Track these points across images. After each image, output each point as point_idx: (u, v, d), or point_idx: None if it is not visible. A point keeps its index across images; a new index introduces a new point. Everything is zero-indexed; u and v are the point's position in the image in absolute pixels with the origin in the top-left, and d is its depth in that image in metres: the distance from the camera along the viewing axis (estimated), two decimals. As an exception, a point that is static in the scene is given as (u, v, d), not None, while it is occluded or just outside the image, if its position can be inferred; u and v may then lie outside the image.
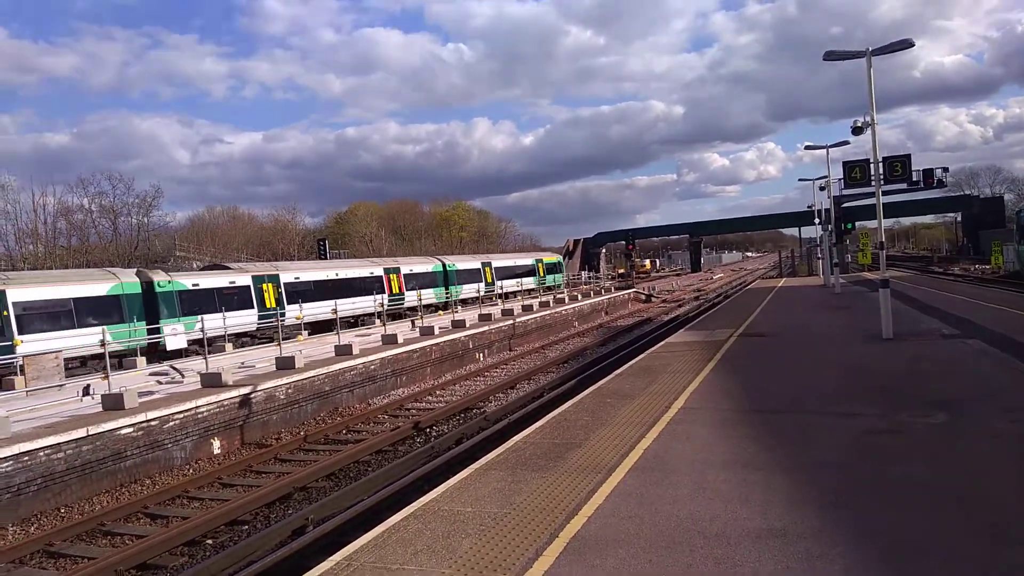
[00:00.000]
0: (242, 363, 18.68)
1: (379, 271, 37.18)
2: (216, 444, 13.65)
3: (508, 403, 16.54)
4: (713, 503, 6.37)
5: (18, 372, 17.33)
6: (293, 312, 28.66)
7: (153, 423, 12.47)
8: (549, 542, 5.73)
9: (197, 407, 13.33)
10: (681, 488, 6.83)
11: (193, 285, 26.86)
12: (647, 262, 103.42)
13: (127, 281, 24.63)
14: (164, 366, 19.16)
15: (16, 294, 21.22)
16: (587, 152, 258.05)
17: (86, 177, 56.41)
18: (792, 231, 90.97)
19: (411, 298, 36.47)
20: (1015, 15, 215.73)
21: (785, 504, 6.24)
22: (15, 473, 10.38)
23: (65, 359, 20.70)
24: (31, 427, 11.68)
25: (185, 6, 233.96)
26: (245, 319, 27.66)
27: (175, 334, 21.06)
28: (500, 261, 50.56)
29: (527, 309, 31.27)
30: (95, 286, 23.62)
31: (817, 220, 40.59)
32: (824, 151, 32.97)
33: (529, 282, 50.00)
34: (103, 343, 14.67)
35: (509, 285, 46.21)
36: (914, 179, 25.85)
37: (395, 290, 37.29)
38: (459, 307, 35.99)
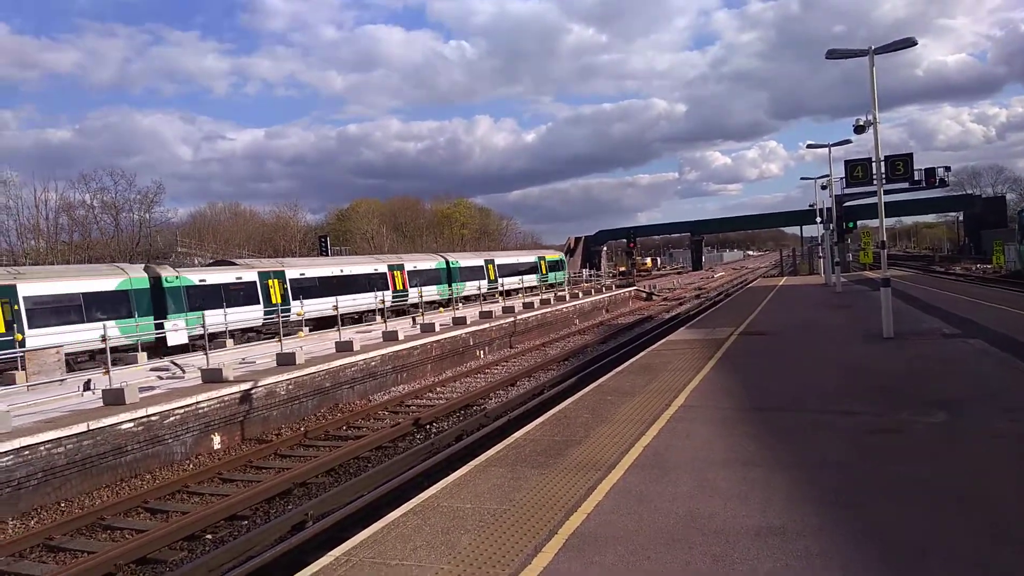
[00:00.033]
0: (243, 359, 18.69)
1: (383, 268, 37.35)
2: (216, 439, 13.66)
3: (508, 400, 16.54)
4: (712, 501, 6.37)
5: (19, 367, 17.35)
6: (299, 308, 28.93)
7: (153, 418, 12.48)
8: (548, 538, 5.73)
9: (197, 402, 13.34)
10: (681, 485, 6.83)
11: (200, 281, 27.05)
12: (648, 260, 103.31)
13: (135, 276, 24.83)
14: (165, 361, 19.19)
15: (27, 289, 21.43)
16: (589, 150, 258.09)
17: (88, 173, 56.57)
18: (794, 230, 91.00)
19: (415, 295, 36.58)
20: (1018, 14, 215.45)
21: (784, 502, 6.24)
22: (16, 467, 10.39)
23: (74, 353, 21.08)
24: (32, 422, 11.70)
25: (187, 3, 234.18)
26: (251, 315, 27.85)
27: (176, 330, 21.07)
28: (503, 258, 50.63)
29: (528, 306, 31.27)
30: (104, 281, 23.81)
31: (819, 219, 40.53)
32: (826, 150, 32.93)
33: (531, 279, 50.03)
34: (104, 338, 14.68)
35: (512, 282, 46.26)
36: (916, 178, 25.78)
37: (399, 287, 37.43)
38: (460, 304, 36.02)
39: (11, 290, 21.03)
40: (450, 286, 40.41)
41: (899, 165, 17.70)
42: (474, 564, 5.35)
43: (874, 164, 17.62)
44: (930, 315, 20.86)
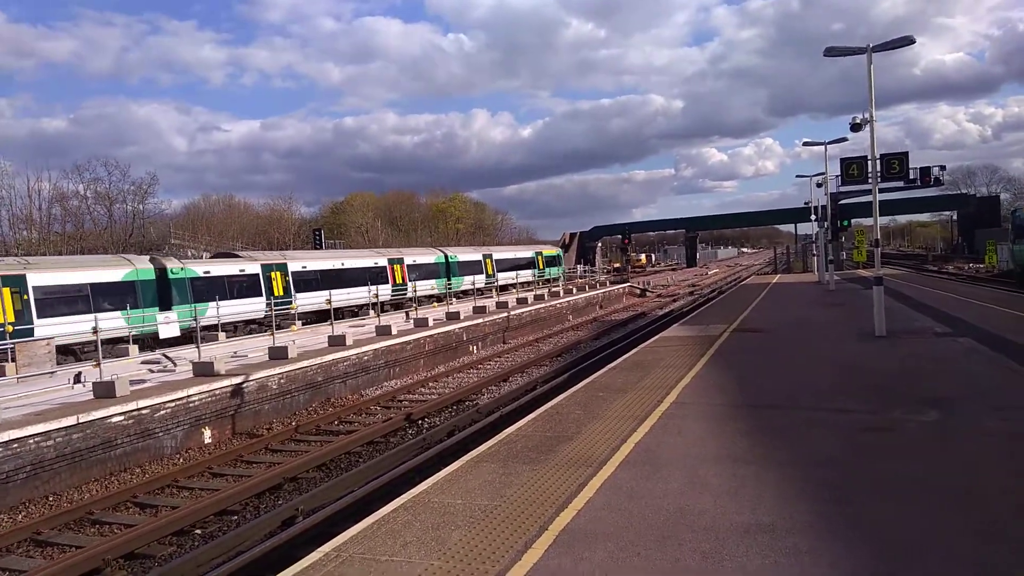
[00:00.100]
0: (235, 352, 18.62)
1: (383, 261, 37.51)
2: (207, 433, 13.60)
3: (501, 396, 16.52)
4: (703, 497, 6.37)
5: (9, 358, 17.26)
6: (301, 300, 29.38)
7: (144, 412, 12.41)
8: (539, 535, 5.71)
9: (188, 396, 13.28)
10: (671, 482, 6.82)
11: (204, 272, 27.20)
12: (643, 257, 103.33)
13: (142, 268, 25.02)
14: (156, 354, 19.08)
15: (36, 279, 21.62)
16: (586, 145, 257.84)
17: (82, 163, 56.34)
18: (788, 228, 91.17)
19: (414, 289, 36.72)
20: (1016, 13, 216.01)
21: (775, 499, 6.24)
22: (3, 460, 10.31)
23: (80, 343, 21.23)
24: (21, 414, 11.61)
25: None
26: (255, 307, 27.99)
27: (168, 322, 20.97)
28: (501, 253, 50.70)
29: (522, 302, 31.26)
30: (111, 272, 24.01)
31: (813, 217, 40.63)
32: (822, 147, 32.98)
33: (529, 274, 50.06)
34: (95, 330, 14.59)
35: (509, 277, 46.30)
36: (911, 177, 25.80)
37: (398, 280, 37.59)
38: (453, 299, 36.00)
39: (21, 280, 21.21)
40: (449, 280, 40.47)
41: (895, 164, 17.75)
42: (464, 560, 5.33)
43: (870, 162, 17.64)
44: (922, 314, 20.94)
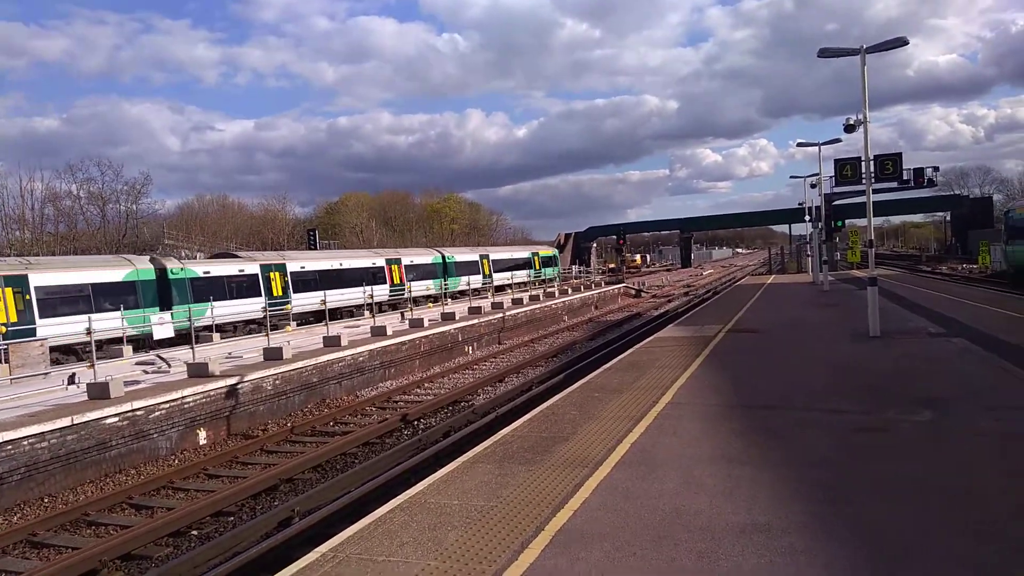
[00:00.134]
0: (230, 353, 18.58)
1: (381, 262, 37.59)
2: (202, 435, 13.57)
3: (496, 396, 16.52)
4: (699, 498, 6.39)
5: (2, 360, 17.18)
6: (300, 300, 29.38)
7: (139, 413, 12.38)
8: (535, 535, 5.73)
9: (183, 397, 13.24)
10: (667, 482, 6.84)
11: (204, 273, 27.34)
12: (638, 257, 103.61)
13: (142, 268, 25.16)
14: (151, 355, 19.03)
15: (38, 279, 21.77)
16: (580, 145, 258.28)
17: (75, 163, 56.27)
18: (782, 228, 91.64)
19: (413, 288, 36.78)
20: (1009, 15, 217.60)
21: (770, 499, 6.27)
22: (-2, 462, 10.28)
23: (81, 343, 21.16)
24: (15, 416, 11.57)
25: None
26: (253, 306, 28.09)
27: (161, 323, 20.92)
28: (497, 254, 50.75)
29: (517, 303, 31.27)
30: (112, 272, 24.16)
31: (808, 217, 40.74)
32: (816, 148, 33.08)
33: (525, 275, 50.10)
34: (89, 331, 14.55)
35: (505, 278, 46.31)
36: (905, 178, 26.02)
37: (396, 281, 37.69)
38: (448, 300, 36.01)
39: (23, 280, 21.31)
40: (446, 280, 40.52)
41: (888, 164, 17.78)
42: (460, 560, 5.34)
43: (863, 163, 17.70)
44: (916, 314, 21.03)
